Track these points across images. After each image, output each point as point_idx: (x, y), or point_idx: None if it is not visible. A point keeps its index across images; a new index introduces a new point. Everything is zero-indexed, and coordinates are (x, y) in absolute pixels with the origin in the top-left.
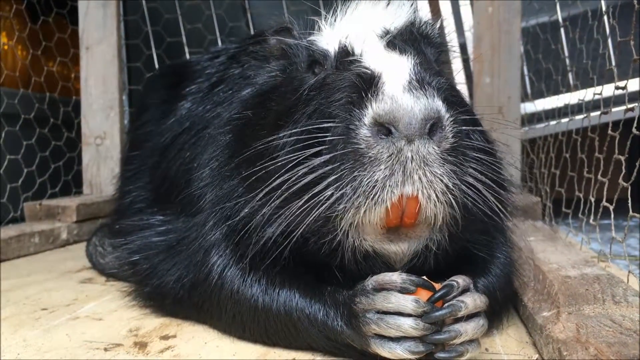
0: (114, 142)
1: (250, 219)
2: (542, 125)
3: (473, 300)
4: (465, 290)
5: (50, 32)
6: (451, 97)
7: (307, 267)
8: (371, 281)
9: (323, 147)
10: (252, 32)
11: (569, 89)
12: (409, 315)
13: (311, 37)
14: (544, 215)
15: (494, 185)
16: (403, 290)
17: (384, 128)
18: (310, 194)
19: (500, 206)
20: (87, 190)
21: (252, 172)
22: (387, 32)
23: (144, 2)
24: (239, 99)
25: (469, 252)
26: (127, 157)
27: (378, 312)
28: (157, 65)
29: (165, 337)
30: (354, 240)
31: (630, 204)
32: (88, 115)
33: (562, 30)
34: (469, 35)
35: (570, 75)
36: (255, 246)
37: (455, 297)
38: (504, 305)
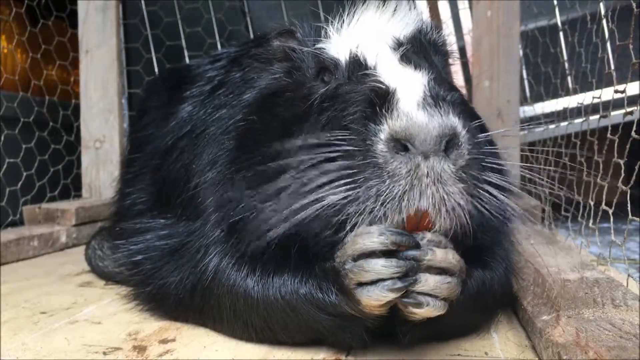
0: (113, 146)
1: (252, 221)
2: (541, 128)
3: (444, 253)
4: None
5: (50, 35)
6: (464, 109)
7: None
8: (350, 236)
9: (337, 154)
10: (251, 35)
11: (568, 92)
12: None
13: (320, 44)
14: (543, 219)
15: (504, 196)
16: (381, 234)
17: (400, 144)
18: (322, 193)
19: (507, 217)
20: (87, 194)
21: (257, 174)
22: (399, 43)
23: (143, 6)
24: (240, 102)
25: (470, 246)
26: (128, 160)
27: (353, 259)
28: (156, 69)
29: (164, 341)
30: None
31: (629, 208)
32: (87, 119)
33: (561, 33)
34: (468, 39)
35: (569, 79)
36: (255, 245)
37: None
38: (499, 302)
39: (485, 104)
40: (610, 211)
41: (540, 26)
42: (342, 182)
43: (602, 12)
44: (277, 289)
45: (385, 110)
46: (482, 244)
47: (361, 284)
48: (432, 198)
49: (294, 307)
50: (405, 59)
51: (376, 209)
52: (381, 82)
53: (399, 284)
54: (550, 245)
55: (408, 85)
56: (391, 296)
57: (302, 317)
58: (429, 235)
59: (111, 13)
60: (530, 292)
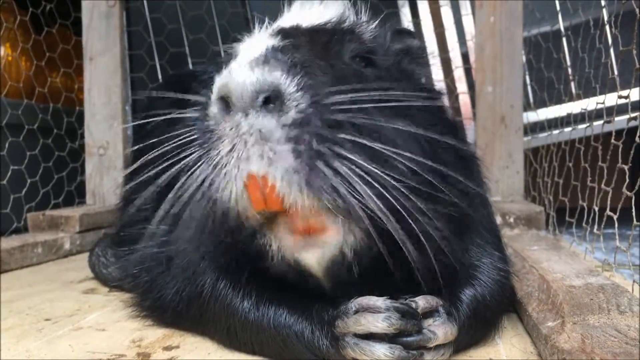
0: (117, 152)
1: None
2: (545, 134)
3: (444, 333)
4: (433, 311)
5: (54, 43)
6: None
7: (297, 281)
8: (354, 303)
9: (191, 127)
10: None
11: (571, 98)
12: (384, 339)
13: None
14: (547, 225)
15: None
16: (386, 318)
17: (224, 102)
18: (188, 182)
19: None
20: (90, 201)
21: None
22: (294, 26)
23: (147, 13)
24: None
25: (449, 261)
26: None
27: (356, 335)
28: (160, 76)
29: (168, 348)
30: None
31: (634, 213)
32: (91, 126)
33: (564, 39)
34: (470, 45)
35: (572, 84)
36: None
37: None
38: (497, 312)
39: (489, 109)
40: (615, 217)
41: (543, 32)
42: (200, 162)
43: (605, 17)
44: (271, 318)
45: (221, 72)
46: (465, 255)
47: None
48: (260, 158)
49: (284, 340)
50: (276, 33)
51: (220, 183)
52: (232, 50)
53: None
54: (555, 251)
55: (250, 49)
56: None
57: (291, 350)
58: (421, 304)
59: (115, 20)
60: (535, 298)
